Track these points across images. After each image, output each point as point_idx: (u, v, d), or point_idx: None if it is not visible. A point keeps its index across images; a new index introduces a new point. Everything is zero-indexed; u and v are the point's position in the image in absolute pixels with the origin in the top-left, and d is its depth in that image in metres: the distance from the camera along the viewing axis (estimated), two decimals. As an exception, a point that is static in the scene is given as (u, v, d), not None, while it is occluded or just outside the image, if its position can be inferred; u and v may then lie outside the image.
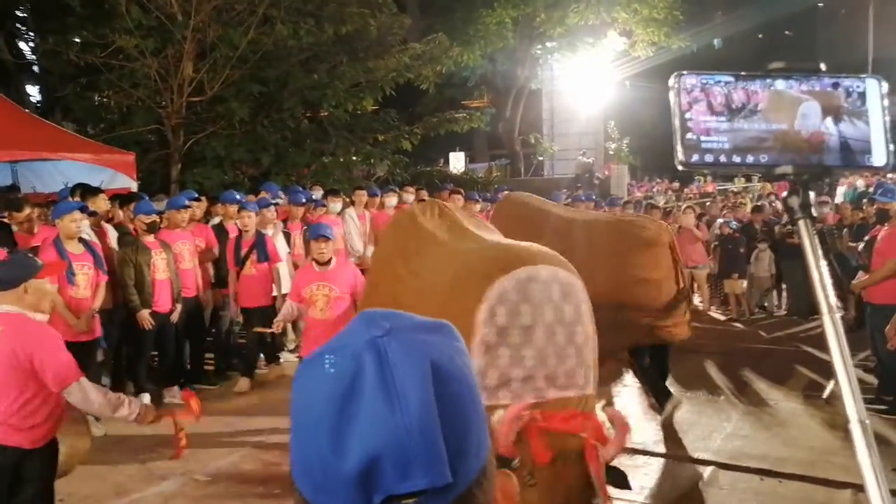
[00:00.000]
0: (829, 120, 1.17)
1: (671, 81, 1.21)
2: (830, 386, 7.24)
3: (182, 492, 5.33)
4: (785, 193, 1.25)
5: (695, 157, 1.21)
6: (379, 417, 0.71)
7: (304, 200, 9.50)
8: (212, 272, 8.44)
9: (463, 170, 24.04)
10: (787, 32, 31.20)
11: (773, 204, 14.35)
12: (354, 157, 15.66)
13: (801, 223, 1.20)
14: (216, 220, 8.98)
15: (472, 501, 0.75)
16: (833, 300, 1.16)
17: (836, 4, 30.84)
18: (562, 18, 21.66)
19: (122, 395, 3.92)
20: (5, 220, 7.07)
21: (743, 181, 24.84)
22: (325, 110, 15.26)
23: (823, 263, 1.17)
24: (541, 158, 25.53)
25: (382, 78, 15.05)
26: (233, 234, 8.31)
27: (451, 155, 26.15)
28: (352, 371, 0.73)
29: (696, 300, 12.83)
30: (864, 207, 11.13)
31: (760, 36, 30.51)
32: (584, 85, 24.06)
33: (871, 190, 13.22)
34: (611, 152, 26.36)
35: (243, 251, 8.11)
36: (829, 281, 1.16)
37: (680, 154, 1.19)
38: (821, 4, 31.25)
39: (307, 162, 14.91)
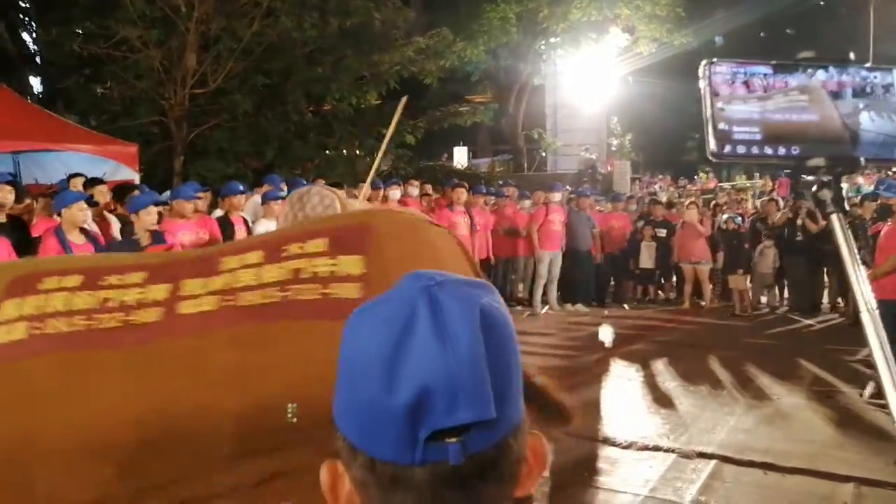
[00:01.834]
0: (862, 112, 1.16)
1: (701, 70, 1.20)
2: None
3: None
4: (815, 187, 1.24)
5: (727, 148, 1.20)
6: (430, 353, 0.74)
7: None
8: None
9: (466, 165, 24.03)
10: (787, 31, 31.14)
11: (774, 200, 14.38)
12: (358, 151, 15.66)
13: (833, 217, 1.19)
14: (219, 213, 8.97)
15: (508, 451, 0.78)
16: (871, 296, 1.15)
17: (837, 2, 30.79)
18: (565, 14, 21.59)
19: None
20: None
21: (744, 178, 24.88)
22: (329, 103, 15.27)
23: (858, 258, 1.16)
24: (544, 154, 25.52)
25: (386, 72, 15.06)
26: (238, 227, 8.30)
27: (455, 150, 26.10)
28: (405, 315, 0.76)
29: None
30: (864, 205, 11.13)
31: (762, 34, 30.48)
32: (588, 80, 24.04)
33: (872, 188, 13.21)
34: (613, 148, 26.33)
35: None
36: (864, 276, 1.15)
37: (712, 145, 1.18)
38: (822, 2, 31.21)
39: (311, 155, 14.93)
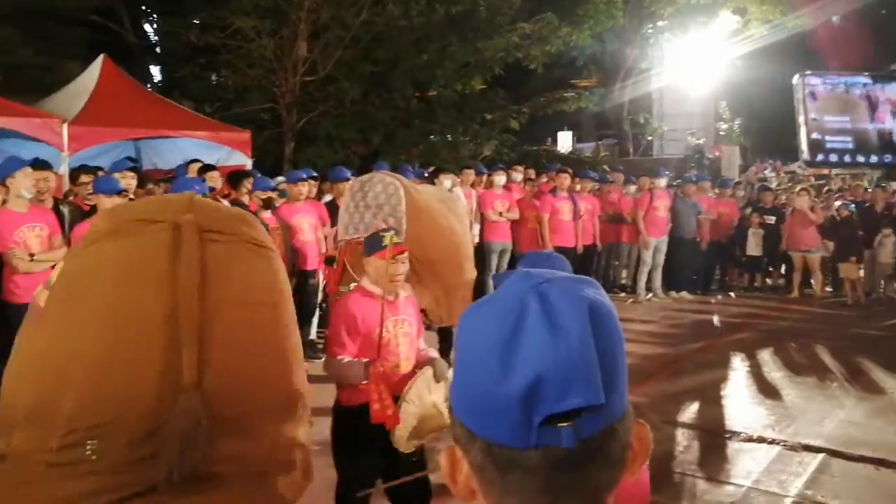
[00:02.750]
0: None
1: (795, 81, 1.21)
2: None
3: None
4: None
5: (819, 157, 1.22)
6: (543, 344, 0.78)
7: (410, 179, 9.58)
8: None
9: (570, 149, 23.84)
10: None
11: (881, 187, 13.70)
12: (462, 137, 15.77)
13: None
14: (328, 198, 9.23)
15: (616, 436, 0.82)
16: None
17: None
18: (673, -3, 21.17)
19: None
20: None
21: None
22: (435, 90, 15.41)
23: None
24: (649, 138, 25.06)
25: (491, 58, 15.08)
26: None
27: (559, 134, 25.92)
28: (517, 310, 0.81)
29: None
30: None
31: (884, 12, 28.89)
32: (695, 64, 23.44)
33: None
34: (721, 133, 25.59)
35: None
36: None
37: (805, 153, 1.20)
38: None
39: (415, 141, 15.12)
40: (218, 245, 1.16)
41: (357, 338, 3.84)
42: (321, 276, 8.22)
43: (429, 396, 3.87)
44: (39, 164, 6.67)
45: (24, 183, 5.73)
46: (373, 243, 3.88)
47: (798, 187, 13.93)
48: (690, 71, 23.72)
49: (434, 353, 4.11)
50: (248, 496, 1.12)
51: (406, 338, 3.95)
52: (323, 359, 4.04)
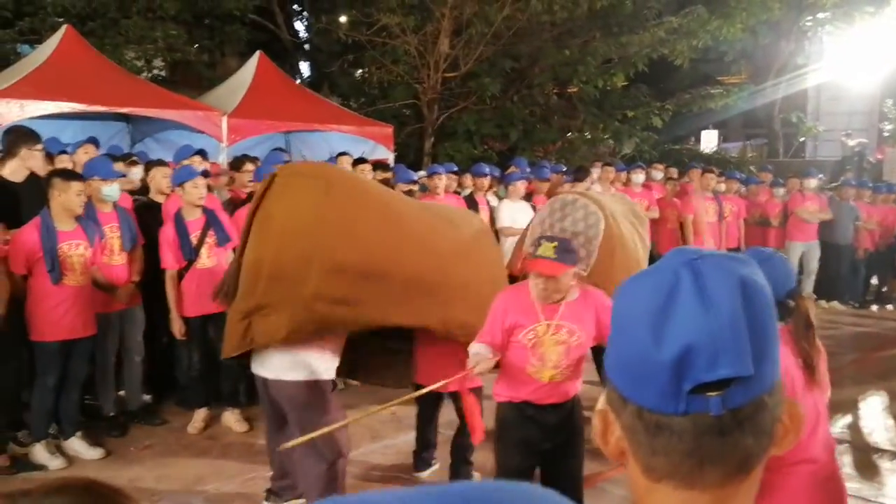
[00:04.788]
0: None
1: None
2: None
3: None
4: None
5: None
6: (694, 315, 0.82)
7: (548, 175, 9.48)
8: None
9: (715, 149, 22.96)
10: None
11: None
12: (602, 134, 15.48)
13: None
14: (467, 192, 9.29)
15: (764, 409, 0.84)
16: None
17: None
18: (839, -14, 19.93)
19: None
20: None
21: None
22: (575, 86, 15.21)
23: None
24: (802, 139, 23.78)
25: (635, 54, 14.69)
26: (482, 206, 8.56)
27: (703, 133, 25.06)
28: (670, 282, 0.85)
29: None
30: None
31: None
32: (859, 59, 21.99)
33: None
34: (886, 133, 23.95)
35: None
36: None
37: None
38: None
39: (554, 138, 14.99)
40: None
41: (500, 332, 3.67)
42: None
43: None
44: (202, 154, 7.30)
45: (193, 194, 5.93)
46: (532, 246, 3.74)
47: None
48: (853, 66, 22.27)
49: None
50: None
51: (561, 346, 3.67)
52: None
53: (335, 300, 3.81)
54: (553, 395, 3.71)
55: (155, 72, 15.15)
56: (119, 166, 6.80)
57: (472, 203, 8.72)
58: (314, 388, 4.03)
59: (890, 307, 11.84)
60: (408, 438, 5.50)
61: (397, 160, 11.39)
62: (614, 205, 5.79)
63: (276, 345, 3.91)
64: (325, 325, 3.86)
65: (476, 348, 3.66)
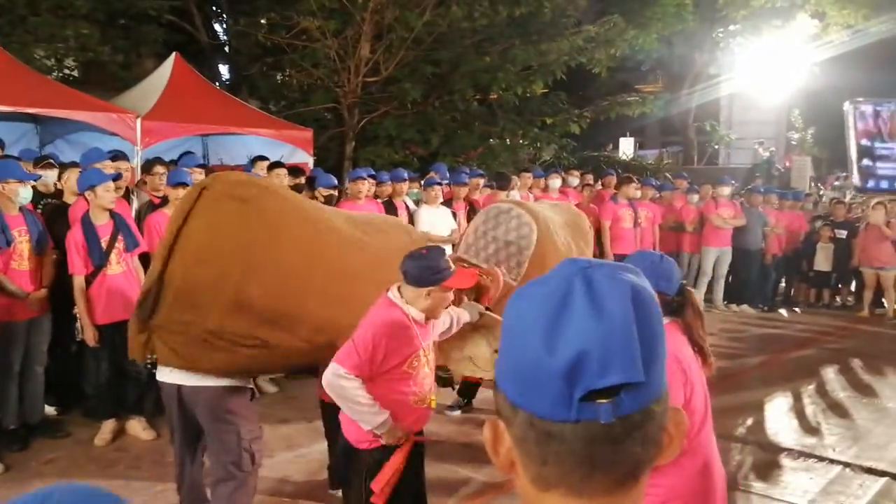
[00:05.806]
0: None
1: (846, 107, 1.14)
2: None
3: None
4: None
5: (870, 183, 1.14)
6: (586, 322, 0.82)
7: (466, 181, 9.48)
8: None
9: (632, 156, 23.47)
10: None
11: None
12: (522, 141, 15.62)
13: None
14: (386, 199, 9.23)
15: (653, 417, 0.85)
16: None
17: None
18: (747, 0, 20.62)
19: None
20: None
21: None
22: (495, 93, 15.32)
23: None
24: (716, 147, 24.54)
25: (554, 61, 14.86)
26: (401, 211, 8.53)
27: (621, 140, 25.60)
28: (563, 290, 0.85)
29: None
30: None
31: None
32: (768, 70, 22.79)
33: None
34: (793, 142, 24.91)
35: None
36: None
37: (856, 180, 1.12)
38: None
39: (475, 143, 15.06)
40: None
41: (382, 363, 3.31)
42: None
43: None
44: (120, 156, 7.23)
45: (105, 198, 5.79)
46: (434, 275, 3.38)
47: (874, 201, 13.46)
48: (762, 77, 23.09)
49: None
50: None
51: (429, 367, 3.52)
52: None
53: (235, 340, 3.60)
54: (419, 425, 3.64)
55: (66, 72, 14.63)
56: (28, 167, 6.60)
57: (391, 208, 8.69)
58: (235, 394, 3.88)
59: (797, 310, 12.29)
60: (323, 447, 5.41)
61: (317, 164, 11.27)
62: (555, 215, 5.79)
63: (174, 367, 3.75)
64: (223, 364, 3.67)
65: (381, 418, 3.35)
